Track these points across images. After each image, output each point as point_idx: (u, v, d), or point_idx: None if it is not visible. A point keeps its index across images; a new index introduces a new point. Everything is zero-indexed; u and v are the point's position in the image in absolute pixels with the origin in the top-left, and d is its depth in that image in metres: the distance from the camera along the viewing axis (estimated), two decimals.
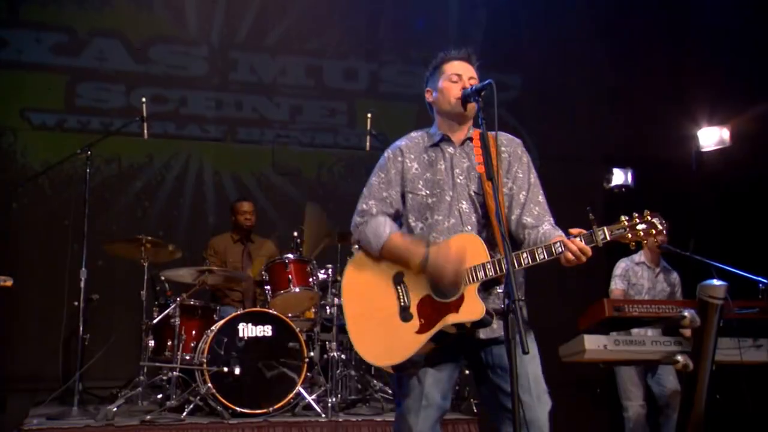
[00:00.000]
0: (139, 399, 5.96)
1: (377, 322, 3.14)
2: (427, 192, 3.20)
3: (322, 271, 6.23)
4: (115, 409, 5.58)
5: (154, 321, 5.99)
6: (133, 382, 6.24)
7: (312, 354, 6.26)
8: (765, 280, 6.16)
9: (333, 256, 6.58)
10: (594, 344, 6.21)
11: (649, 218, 3.11)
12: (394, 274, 3.16)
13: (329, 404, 5.70)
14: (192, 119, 8.17)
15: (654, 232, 3.09)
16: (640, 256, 6.73)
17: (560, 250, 2.99)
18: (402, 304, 3.12)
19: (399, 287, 3.14)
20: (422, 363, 3.13)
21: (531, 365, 3.09)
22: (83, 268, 6.05)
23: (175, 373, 5.77)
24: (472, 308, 3.02)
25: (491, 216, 3.09)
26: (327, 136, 8.47)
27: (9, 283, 5.46)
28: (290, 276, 6.05)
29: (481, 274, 3.02)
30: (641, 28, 8.90)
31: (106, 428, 5.25)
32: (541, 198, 3.30)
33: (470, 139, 3.24)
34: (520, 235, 3.24)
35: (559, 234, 3.14)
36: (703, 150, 8.61)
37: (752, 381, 6.23)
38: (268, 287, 6.09)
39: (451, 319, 3.05)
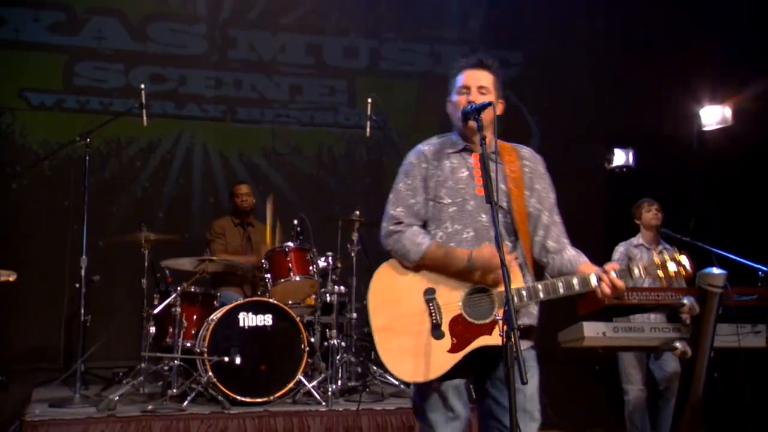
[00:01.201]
0: (141, 387, 5.99)
1: (407, 337, 3.09)
2: (449, 201, 3.17)
3: (323, 259, 6.23)
4: (116, 398, 5.63)
5: (155, 311, 6.01)
6: (134, 370, 6.28)
7: (312, 340, 6.31)
8: (764, 268, 6.17)
9: (333, 242, 6.59)
10: (593, 331, 6.24)
11: (677, 256, 3.13)
12: (425, 289, 3.13)
13: (329, 392, 5.75)
14: (191, 98, 8.12)
15: (683, 271, 3.12)
16: (638, 239, 6.75)
17: (596, 283, 3.04)
18: (434, 321, 3.09)
19: (431, 304, 3.11)
20: (443, 376, 3.13)
21: (529, 384, 3.08)
22: (83, 256, 6.04)
23: (176, 362, 5.80)
24: None
25: (519, 231, 3.13)
26: (327, 115, 8.42)
27: (13, 278, 5.46)
28: (290, 264, 6.06)
29: (516, 300, 3.02)
30: (644, 6, 8.80)
31: (108, 419, 5.28)
32: (559, 218, 3.31)
33: (483, 138, 3.13)
34: (543, 259, 3.25)
35: (584, 261, 3.20)
36: (705, 129, 8.55)
37: (749, 366, 6.29)
38: (269, 275, 6.10)
39: (483, 341, 3.06)
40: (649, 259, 3.12)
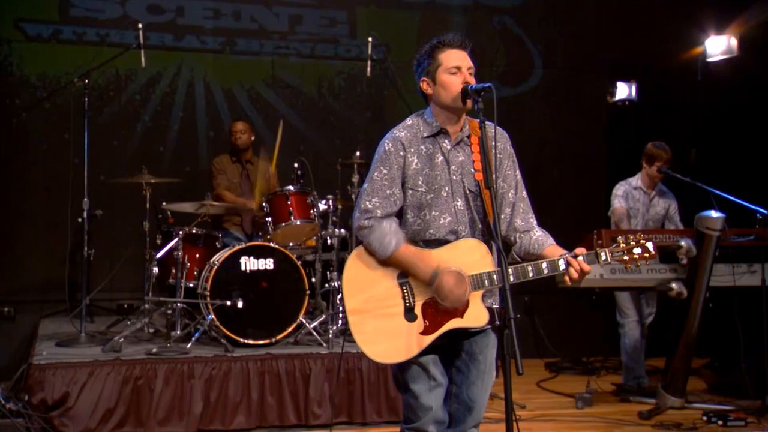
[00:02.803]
0: (145, 327, 6.10)
1: (381, 319, 3.16)
2: (426, 188, 3.20)
3: (323, 202, 6.27)
4: (121, 340, 5.75)
5: (158, 256, 6.08)
6: (138, 310, 6.39)
7: (314, 280, 6.40)
8: (763, 210, 6.20)
9: (334, 184, 6.61)
10: (591, 273, 6.34)
11: (643, 242, 3.23)
12: (399, 273, 3.19)
13: (330, 333, 5.86)
14: (189, 30, 7.99)
15: (647, 255, 3.22)
16: (637, 180, 6.78)
17: (564, 267, 3.11)
18: (407, 304, 3.16)
19: (404, 287, 3.17)
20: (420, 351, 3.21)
21: (490, 354, 3.31)
22: (85, 198, 6.08)
23: (180, 305, 5.91)
24: (477, 315, 3.15)
25: (488, 213, 3.14)
26: (327, 47, 8.30)
27: None
28: (291, 208, 6.09)
29: (486, 283, 3.11)
30: None
31: (114, 362, 5.40)
32: (525, 194, 3.36)
33: (468, 136, 3.22)
34: (510, 237, 3.31)
35: (551, 243, 3.26)
36: (710, 60, 8.45)
37: (743, 303, 6.39)
38: (269, 219, 6.14)
39: (456, 324, 3.14)
40: (615, 245, 3.22)
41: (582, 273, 3.09)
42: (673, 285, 6.28)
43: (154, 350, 5.57)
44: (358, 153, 6.50)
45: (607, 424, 5.89)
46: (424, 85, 3.25)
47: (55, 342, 6.05)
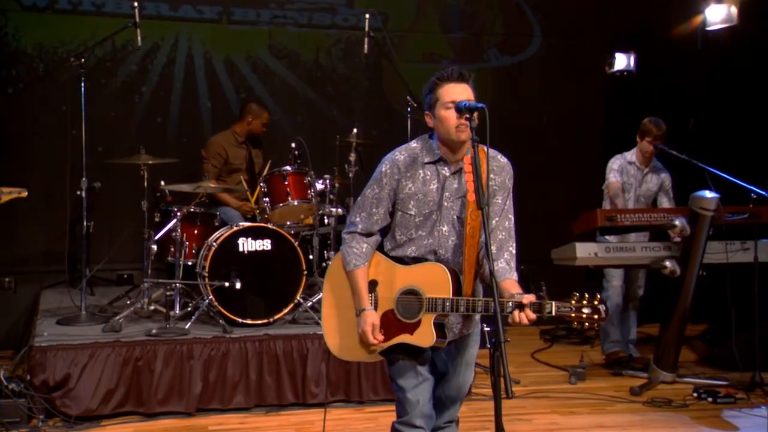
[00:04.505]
0: (145, 306, 6.17)
1: (347, 319, 3.46)
2: (416, 212, 3.36)
3: (320, 182, 6.31)
4: (121, 320, 5.83)
5: (157, 237, 6.13)
6: (138, 289, 6.46)
7: (311, 257, 6.46)
8: (757, 189, 6.23)
9: (331, 161, 6.63)
10: (585, 252, 6.44)
11: (596, 304, 3.19)
12: (371, 280, 3.42)
13: None
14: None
15: (596, 317, 3.18)
16: (632, 155, 6.81)
17: (510, 310, 3.17)
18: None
19: (372, 294, 3.42)
20: (407, 347, 3.40)
21: (467, 373, 3.55)
22: (84, 178, 6.12)
23: (178, 285, 5.98)
24: (424, 335, 3.33)
25: (467, 243, 3.30)
26: (325, 16, 8.22)
27: (24, 194, 5.56)
28: (288, 189, 6.13)
29: (439, 308, 3.28)
30: None
31: (114, 343, 5.49)
32: (509, 224, 3.43)
33: (476, 140, 3.22)
34: (479, 261, 3.39)
35: (510, 278, 3.32)
36: (710, 29, 8.39)
37: (736, 279, 6.46)
38: (267, 199, 6.18)
39: (404, 338, 3.36)
40: (563, 301, 3.19)
41: (526, 320, 3.15)
42: (667, 263, 6.35)
43: (154, 331, 5.65)
44: (355, 131, 6.50)
45: (600, 401, 6.00)
46: (428, 119, 3.36)
47: (56, 320, 6.14)
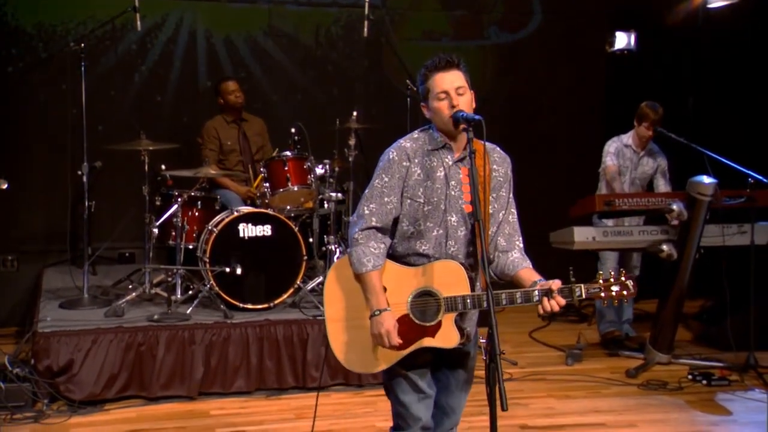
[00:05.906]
0: (146, 290, 6.24)
1: (357, 330, 3.27)
2: (424, 200, 3.25)
3: (320, 167, 6.34)
4: (123, 304, 5.90)
5: (158, 222, 6.18)
6: (139, 274, 6.52)
7: (311, 240, 6.52)
8: (755, 174, 6.26)
9: (331, 145, 6.65)
10: (583, 236, 6.49)
11: (623, 280, 3.21)
12: None
13: None
14: None
15: (626, 293, 3.20)
16: (628, 138, 6.84)
17: (537, 299, 3.12)
18: None
19: None
20: (406, 361, 3.31)
21: (468, 384, 3.48)
22: (84, 163, 6.15)
23: (180, 270, 6.04)
24: (448, 336, 3.21)
25: (479, 235, 3.15)
26: None
27: (4, 186, 5.59)
28: (288, 174, 6.16)
29: (459, 306, 3.18)
30: None
31: (116, 329, 5.56)
32: (513, 218, 3.38)
33: (473, 152, 3.16)
34: (491, 255, 3.34)
35: (526, 266, 3.28)
36: (711, 6, 8.35)
37: (732, 262, 6.50)
38: (267, 184, 6.21)
39: (427, 342, 3.23)
40: (593, 280, 3.19)
41: (557, 307, 3.10)
42: (664, 247, 6.39)
43: (156, 317, 5.72)
44: (354, 114, 6.51)
45: (596, 384, 6.08)
46: (424, 111, 3.31)
47: (59, 303, 6.21)
